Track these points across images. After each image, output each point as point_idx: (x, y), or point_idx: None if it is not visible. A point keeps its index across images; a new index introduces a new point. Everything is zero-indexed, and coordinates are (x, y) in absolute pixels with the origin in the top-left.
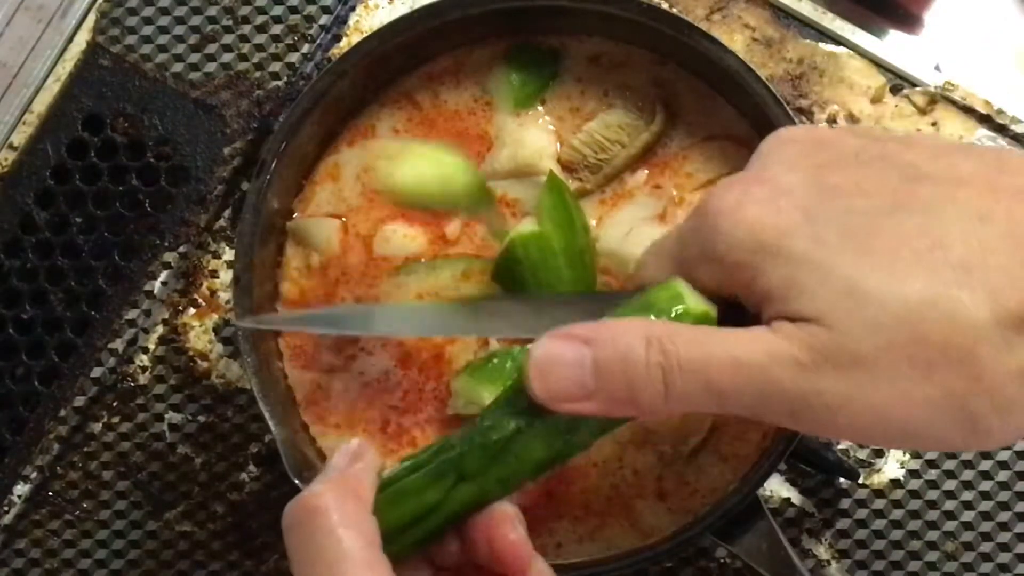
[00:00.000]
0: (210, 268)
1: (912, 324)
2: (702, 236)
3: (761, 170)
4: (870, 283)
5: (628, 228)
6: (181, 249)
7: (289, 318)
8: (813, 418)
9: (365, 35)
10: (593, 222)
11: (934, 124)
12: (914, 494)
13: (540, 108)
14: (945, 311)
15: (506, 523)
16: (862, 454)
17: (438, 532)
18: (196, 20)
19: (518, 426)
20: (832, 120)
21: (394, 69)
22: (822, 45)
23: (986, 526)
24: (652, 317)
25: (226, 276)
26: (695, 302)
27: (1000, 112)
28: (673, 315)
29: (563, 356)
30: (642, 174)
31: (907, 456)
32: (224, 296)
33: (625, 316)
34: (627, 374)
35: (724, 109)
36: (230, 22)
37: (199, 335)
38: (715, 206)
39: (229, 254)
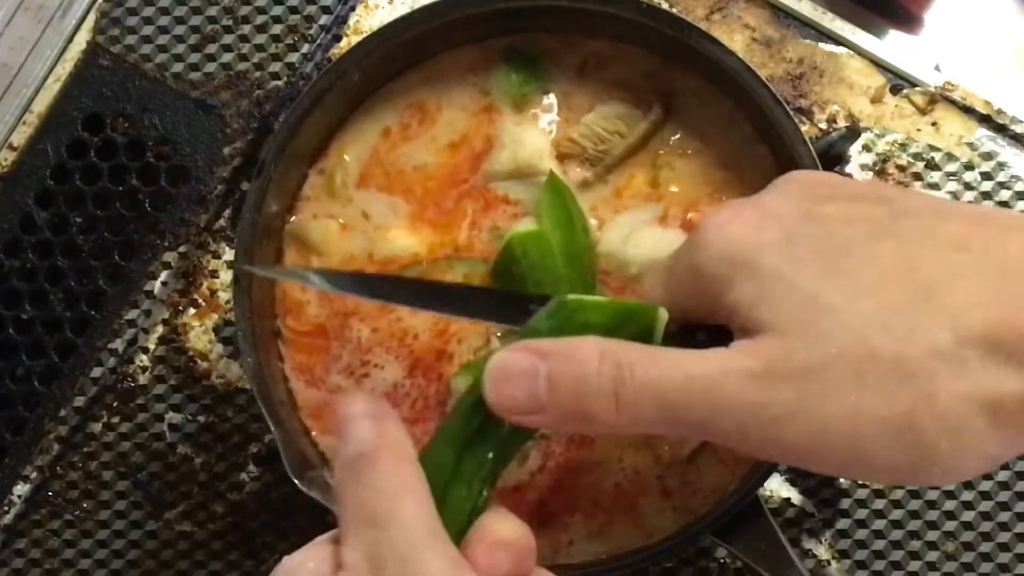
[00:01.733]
0: (210, 268)
1: (866, 337)
2: (690, 248)
3: (758, 197)
4: (831, 297)
5: (628, 230)
6: (181, 249)
7: (293, 271)
8: (760, 434)
9: (365, 35)
10: (594, 222)
11: (934, 124)
12: (914, 494)
13: (540, 108)
14: (902, 327)
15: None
16: None
17: None
18: (196, 20)
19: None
20: (832, 120)
21: (394, 69)
22: (822, 45)
23: (986, 526)
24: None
25: (226, 276)
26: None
27: (1000, 112)
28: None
29: (518, 367)
30: (638, 175)
31: None
32: (224, 296)
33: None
34: (579, 387)
35: (724, 109)
36: (230, 22)
37: (199, 335)
38: (707, 223)
39: (229, 254)
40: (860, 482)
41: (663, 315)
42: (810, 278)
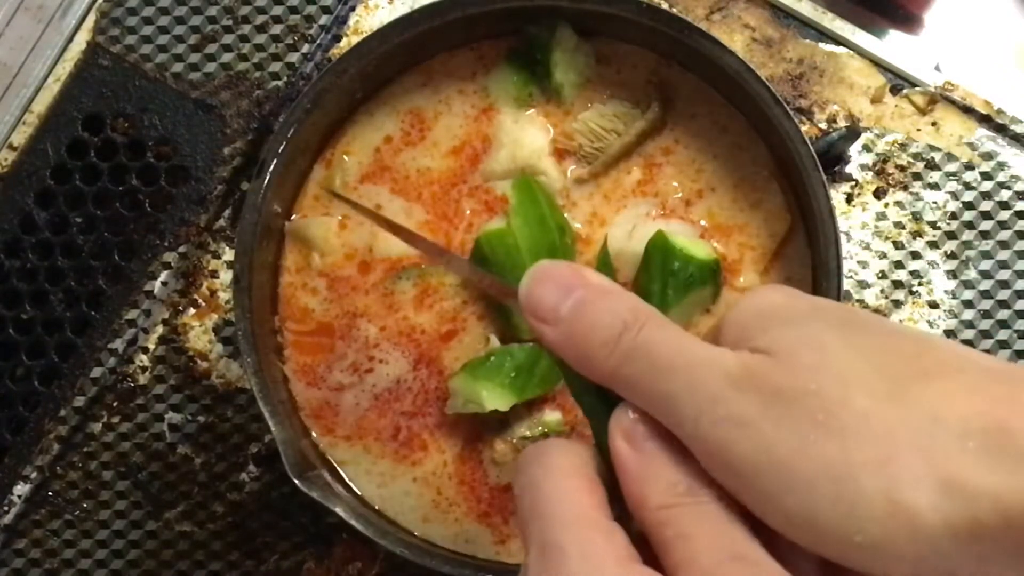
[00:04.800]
0: (210, 268)
1: (848, 385)
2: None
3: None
4: (828, 341)
5: (631, 226)
6: (181, 249)
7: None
8: (711, 430)
9: (365, 35)
10: (579, 225)
11: (934, 124)
12: None
13: (539, 108)
14: (884, 390)
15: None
16: None
17: None
18: (196, 20)
19: None
20: (832, 120)
21: (394, 69)
22: (822, 45)
23: None
24: None
25: (226, 276)
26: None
27: (1000, 112)
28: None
29: (561, 279)
30: (638, 174)
31: None
32: (224, 296)
33: None
34: (594, 319)
35: (723, 108)
36: (230, 22)
37: (199, 335)
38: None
39: (229, 254)
40: None
41: None
42: (819, 327)
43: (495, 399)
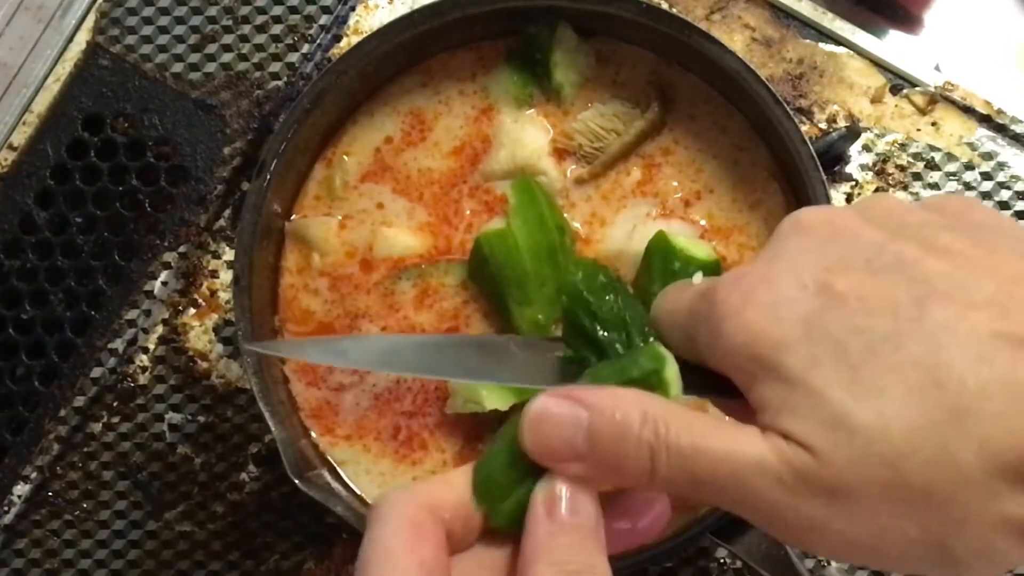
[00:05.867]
0: (210, 268)
1: (896, 464)
2: (707, 329)
3: (769, 264)
4: (859, 417)
5: (631, 226)
6: (181, 249)
7: (293, 345)
8: (788, 535)
9: (365, 35)
10: (578, 225)
11: (934, 124)
12: None
13: (539, 107)
14: (931, 455)
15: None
16: None
17: None
18: (196, 20)
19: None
20: (832, 120)
21: (394, 69)
22: (822, 45)
23: None
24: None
25: (226, 276)
26: (671, 375)
27: (1000, 112)
28: (645, 376)
29: (560, 416)
30: (637, 174)
31: None
32: (224, 296)
33: (605, 381)
34: (618, 447)
35: (723, 108)
36: (230, 22)
37: (199, 335)
38: (721, 304)
39: (229, 254)
40: None
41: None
42: (837, 392)
43: (495, 399)
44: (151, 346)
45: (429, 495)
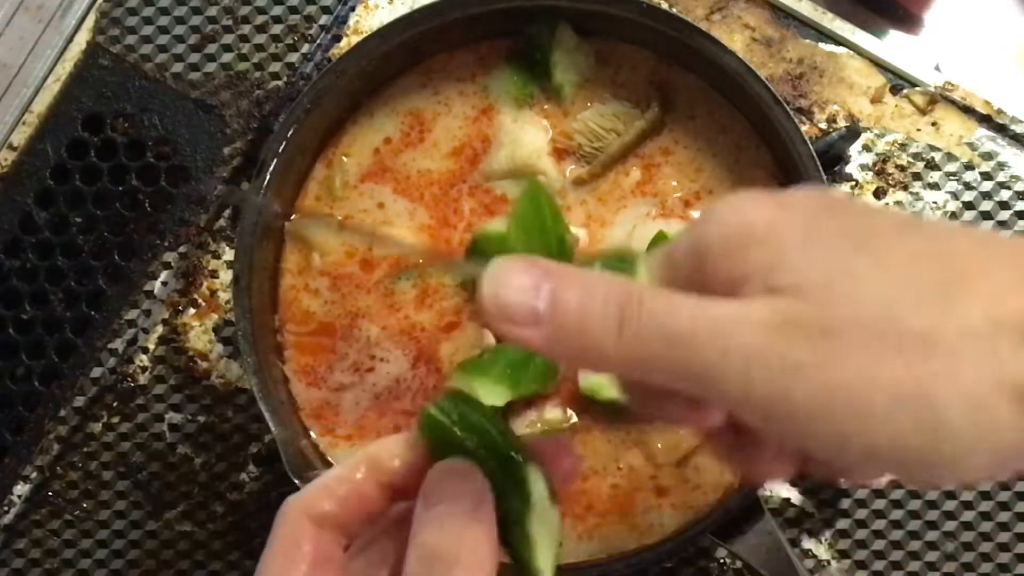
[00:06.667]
0: (210, 268)
1: (893, 305)
2: (699, 224)
3: (773, 192)
4: (857, 265)
5: (631, 226)
6: (181, 249)
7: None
8: (767, 387)
9: (365, 35)
10: (582, 233)
11: (934, 124)
12: (914, 494)
13: (539, 107)
14: (933, 302)
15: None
16: None
17: None
18: (196, 20)
19: None
20: (832, 120)
21: (394, 69)
22: (822, 45)
23: (986, 526)
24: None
25: (226, 276)
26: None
27: (1000, 112)
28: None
29: (523, 276)
30: (637, 174)
31: None
32: (224, 296)
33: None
34: (582, 308)
35: (723, 108)
36: (230, 22)
37: (199, 335)
38: (720, 202)
39: (229, 254)
40: (860, 482)
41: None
42: (834, 249)
43: (490, 394)
44: (151, 346)
45: (307, 503)
